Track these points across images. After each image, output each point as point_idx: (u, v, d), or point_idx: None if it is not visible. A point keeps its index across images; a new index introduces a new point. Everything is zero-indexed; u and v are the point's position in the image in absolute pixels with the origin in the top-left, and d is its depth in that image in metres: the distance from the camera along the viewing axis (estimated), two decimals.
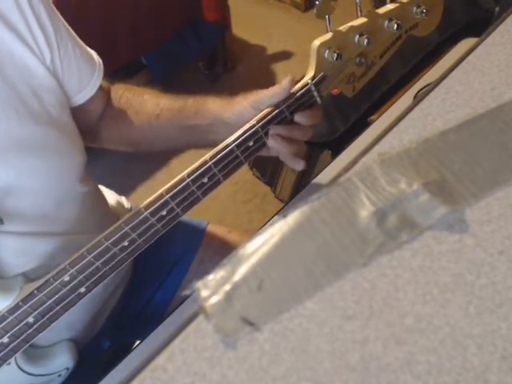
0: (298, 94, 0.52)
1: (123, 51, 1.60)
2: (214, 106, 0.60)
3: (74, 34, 0.61)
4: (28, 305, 0.52)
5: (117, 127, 0.67)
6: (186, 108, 0.63)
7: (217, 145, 0.53)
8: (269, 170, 1.57)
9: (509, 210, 0.51)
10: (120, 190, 0.84)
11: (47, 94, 0.56)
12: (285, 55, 2.09)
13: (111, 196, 0.80)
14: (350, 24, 0.51)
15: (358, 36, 0.51)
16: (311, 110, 0.54)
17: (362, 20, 0.51)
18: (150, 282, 0.79)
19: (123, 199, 0.84)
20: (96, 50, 0.67)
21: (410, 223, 0.50)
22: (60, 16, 0.58)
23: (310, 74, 0.52)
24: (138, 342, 0.51)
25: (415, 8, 0.53)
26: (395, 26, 0.52)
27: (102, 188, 0.76)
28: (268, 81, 1.95)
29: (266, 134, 0.53)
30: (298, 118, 0.53)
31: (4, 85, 0.51)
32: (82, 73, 0.62)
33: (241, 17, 2.14)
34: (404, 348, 0.44)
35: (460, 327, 0.44)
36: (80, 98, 0.64)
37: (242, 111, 0.55)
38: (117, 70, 1.60)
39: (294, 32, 2.15)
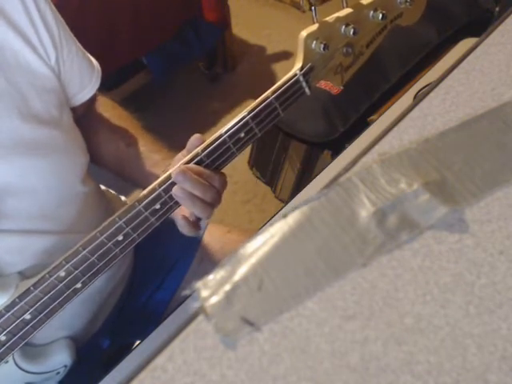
0: (286, 85, 0.52)
1: (123, 51, 1.60)
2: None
3: (75, 38, 0.62)
4: (24, 301, 0.52)
5: (88, 135, 0.67)
6: (147, 157, 0.64)
7: None
8: (269, 170, 1.57)
9: (509, 209, 0.51)
10: (120, 190, 0.84)
11: (50, 95, 0.56)
12: (284, 55, 2.09)
13: (111, 196, 0.80)
14: (336, 15, 0.52)
15: (344, 26, 0.52)
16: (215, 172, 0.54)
17: (347, 10, 0.52)
18: (149, 282, 0.79)
19: (123, 199, 0.84)
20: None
21: (410, 223, 0.50)
22: (62, 19, 0.59)
23: (298, 64, 0.53)
24: (137, 341, 0.51)
25: None
26: (380, 15, 0.53)
27: (102, 188, 0.76)
28: (268, 81, 1.95)
29: (257, 125, 0.53)
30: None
31: (8, 85, 0.51)
32: (84, 75, 0.63)
33: (241, 17, 2.14)
34: (404, 348, 0.44)
35: (460, 327, 0.44)
36: (78, 100, 0.64)
37: None
38: (117, 70, 1.60)
39: (293, 32, 2.13)
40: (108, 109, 0.70)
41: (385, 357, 0.43)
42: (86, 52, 0.64)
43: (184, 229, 0.56)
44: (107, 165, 0.68)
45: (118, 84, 1.69)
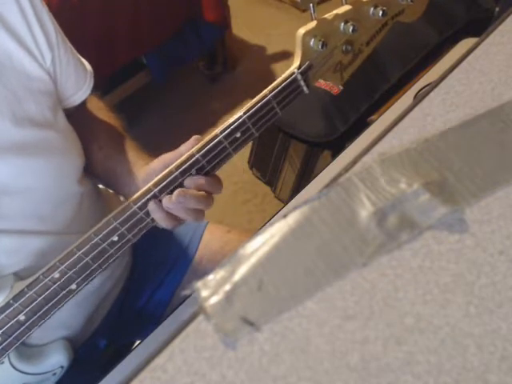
0: (284, 84, 0.52)
1: (123, 51, 1.59)
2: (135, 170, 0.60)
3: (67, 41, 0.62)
4: (19, 303, 0.52)
5: (81, 135, 0.66)
6: (120, 159, 0.62)
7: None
8: (269, 170, 1.57)
9: (509, 210, 0.51)
10: None
11: (44, 97, 0.56)
12: (284, 55, 2.09)
13: (109, 195, 0.80)
14: (335, 12, 0.51)
15: (343, 23, 0.51)
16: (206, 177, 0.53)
17: (346, 7, 0.51)
18: (148, 281, 0.79)
19: (121, 199, 0.83)
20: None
21: (410, 223, 0.50)
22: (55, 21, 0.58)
23: (296, 63, 0.52)
24: (137, 341, 0.51)
25: None
26: (380, 12, 0.51)
27: (100, 187, 0.76)
28: (268, 80, 1.94)
29: (254, 125, 0.52)
30: (187, 182, 0.52)
31: (2, 87, 0.51)
32: (79, 75, 0.63)
33: (241, 17, 2.14)
34: (404, 348, 0.44)
35: (460, 327, 0.44)
36: (72, 101, 0.64)
37: (151, 175, 0.55)
38: (117, 70, 1.60)
39: (293, 32, 2.14)
40: (93, 106, 0.69)
41: (385, 357, 0.43)
42: (78, 54, 0.64)
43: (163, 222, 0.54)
44: (94, 169, 0.66)
45: (118, 84, 1.69)
